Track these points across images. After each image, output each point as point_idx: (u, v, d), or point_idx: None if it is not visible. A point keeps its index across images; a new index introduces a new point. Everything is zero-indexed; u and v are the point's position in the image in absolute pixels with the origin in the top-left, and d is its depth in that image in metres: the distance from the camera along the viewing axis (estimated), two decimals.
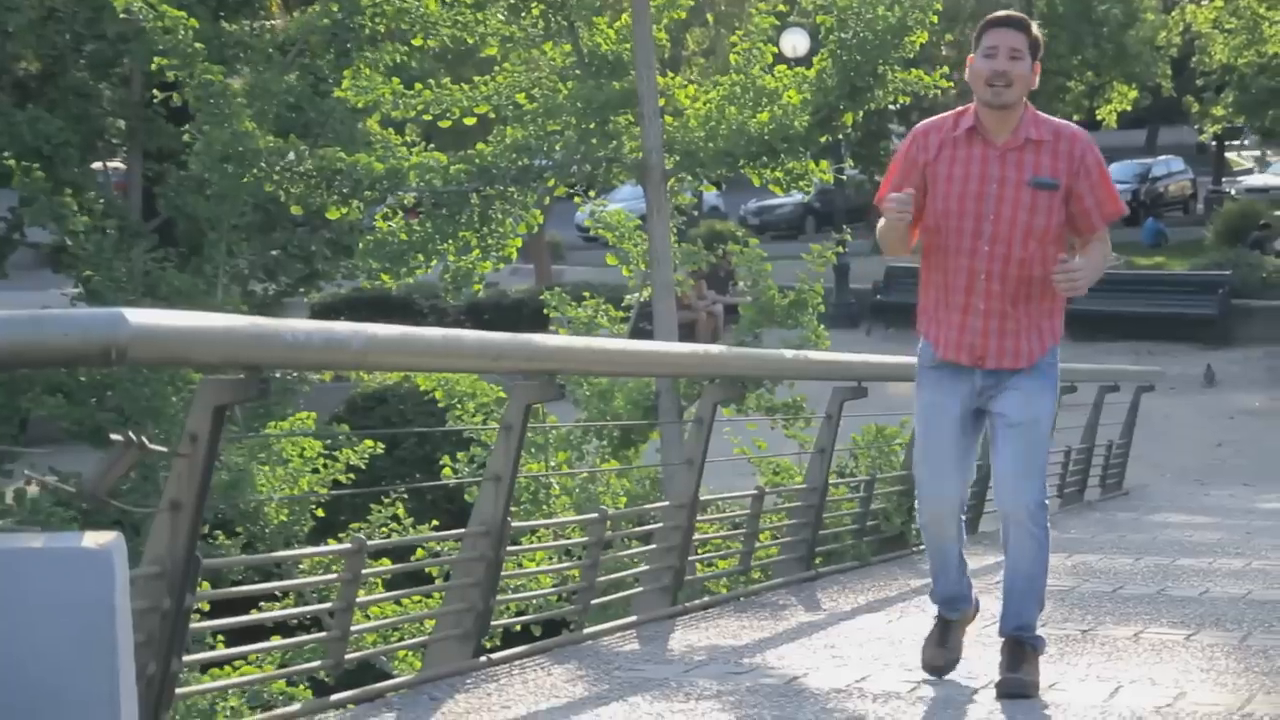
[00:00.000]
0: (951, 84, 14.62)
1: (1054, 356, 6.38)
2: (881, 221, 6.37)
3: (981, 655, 6.74)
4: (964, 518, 6.61)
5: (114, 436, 4.75)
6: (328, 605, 6.52)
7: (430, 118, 14.96)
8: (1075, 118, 48.49)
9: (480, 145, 14.73)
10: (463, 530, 7.07)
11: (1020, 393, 6.29)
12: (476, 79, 15.09)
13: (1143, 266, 39.58)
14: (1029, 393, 6.30)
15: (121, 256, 19.79)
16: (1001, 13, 6.44)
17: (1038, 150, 6.24)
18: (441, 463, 14.99)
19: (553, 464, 14.86)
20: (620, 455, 15.40)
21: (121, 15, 17.73)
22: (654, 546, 8.83)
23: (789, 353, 11.31)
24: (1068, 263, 6.16)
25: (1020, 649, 6.32)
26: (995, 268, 6.20)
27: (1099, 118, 49.20)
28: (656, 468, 14.73)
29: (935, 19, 14.60)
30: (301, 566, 12.53)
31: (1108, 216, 6.33)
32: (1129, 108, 49.06)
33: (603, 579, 8.33)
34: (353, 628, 6.29)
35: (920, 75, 14.49)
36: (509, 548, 7.13)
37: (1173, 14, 49.21)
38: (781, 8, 15.94)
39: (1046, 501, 6.38)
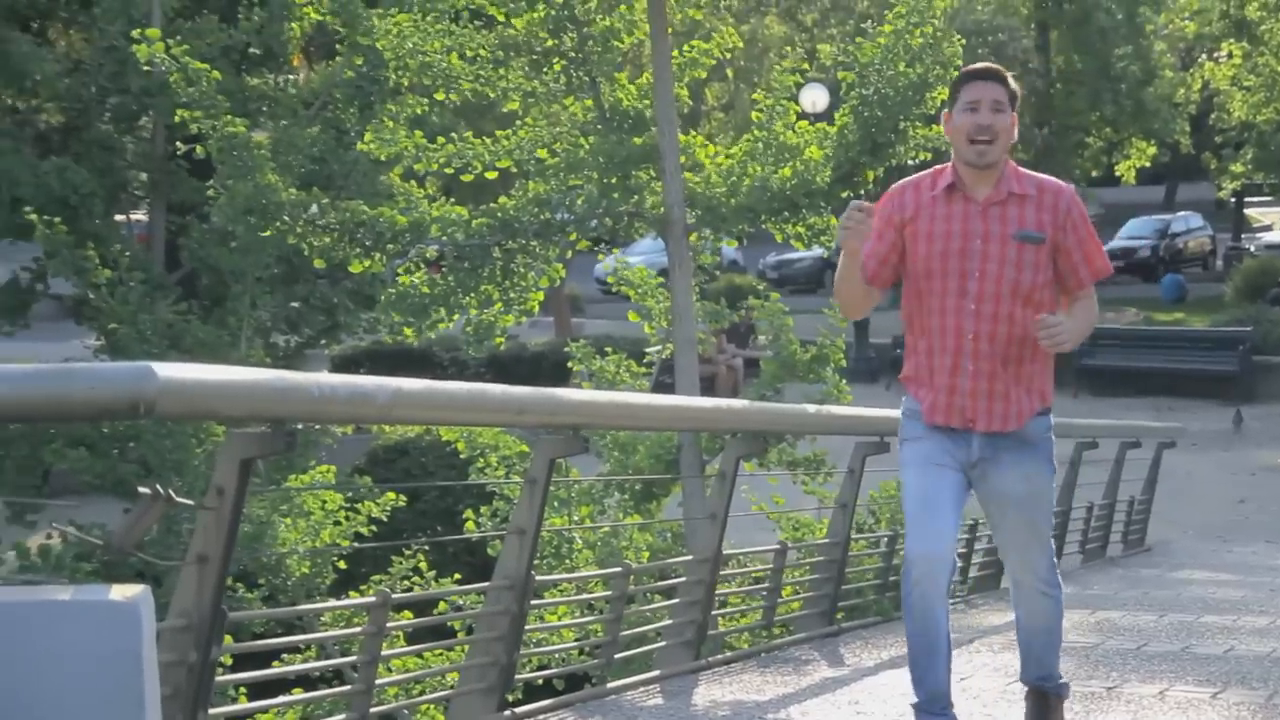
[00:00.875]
0: None
1: (1048, 424, 6.10)
2: (838, 272, 6.11)
3: (1007, 713, 6.71)
4: (953, 581, 6.07)
5: (141, 489, 4.77)
6: (351, 659, 6.51)
7: (452, 171, 15.01)
8: (1094, 174, 48.65)
9: (502, 199, 14.78)
10: (486, 584, 7.07)
11: (1019, 471, 6.00)
12: (499, 133, 15.13)
13: (1163, 322, 39.56)
14: (1028, 472, 6.03)
15: (145, 309, 19.85)
16: (979, 65, 6.19)
17: (1021, 204, 5.97)
18: (464, 515, 15.01)
19: (575, 517, 14.86)
20: (642, 509, 15.40)
21: (145, 68, 17.84)
22: (677, 601, 8.82)
23: (811, 407, 11.31)
24: (1049, 316, 5.88)
25: (1044, 699, 6.26)
26: (983, 327, 5.92)
27: (1118, 174, 49.28)
28: (679, 522, 14.70)
29: (956, 75, 14.64)
30: (324, 619, 12.52)
31: (1095, 273, 6.07)
32: (1148, 164, 49.12)
33: (626, 633, 8.33)
34: (376, 681, 6.28)
35: (941, 131, 14.50)
36: (532, 601, 7.13)
37: (1191, 71, 49.33)
38: (804, 66, 16.01)
39: (1055, 560, 6.21)
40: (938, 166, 6.15)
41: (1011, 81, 6.06)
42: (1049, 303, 5.99)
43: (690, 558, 8.98)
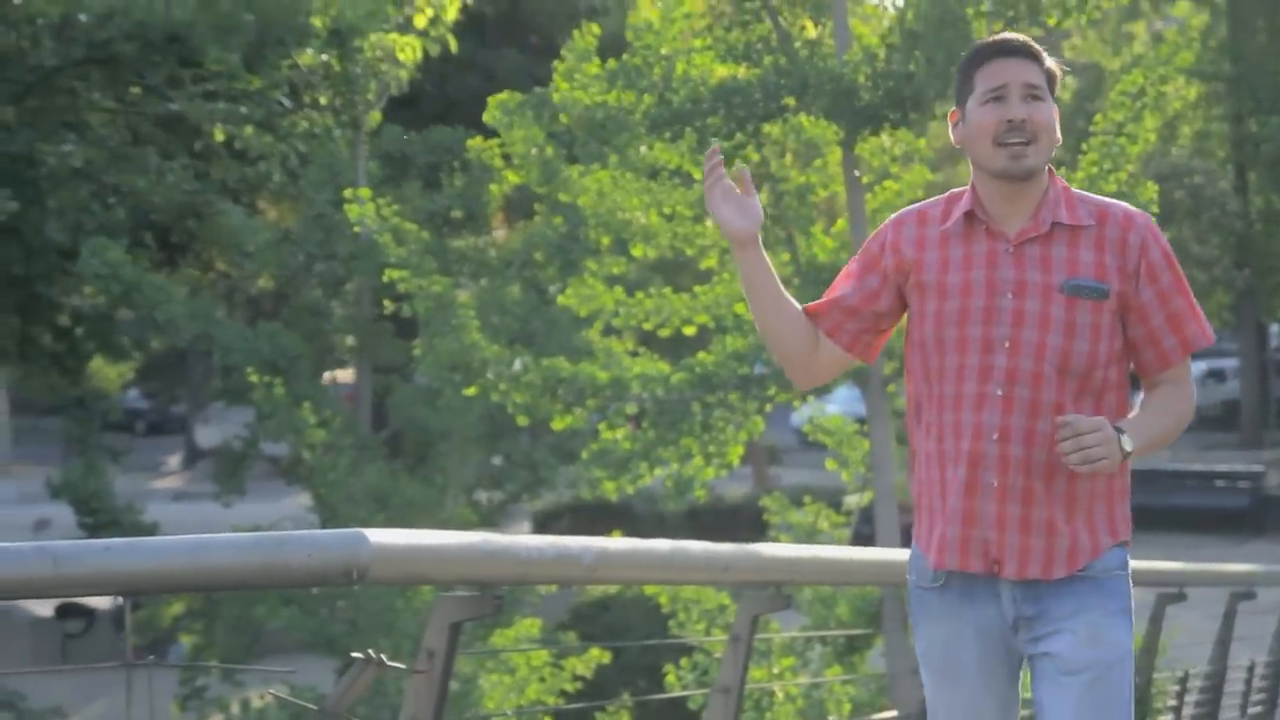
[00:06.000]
0: None
1: (1123, 558, 4.15)
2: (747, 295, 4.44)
3: None
4: None
5: (355, 655, 4.88)
6: None
7: (650, 327, 15.19)
8: None
9: (701, 354, 14.90)
10: None
11: (1080, 627, 4.08)
12: (697, 289, 15.30)
13: None
14: (1094, 629, 4.08)
15: (356, 472, 20.21)
16: (1000, 36, 4.20)
17: (1073, 240, 4.09)
18: (665, 670, 15.02)
19: (776, 670, 14.81)
20: (845, 661, 15.30)
21: (354, 229, 18.33)
22: None
23: None
24: (1077, 419, 3.96)
25: None
26: (1014, 422, 4.04)
27: None
28: (882, 675, 14.58)
29: (1156, 206, 14.33)
30: None
31: (1186, 344, 4.14)
32: None
33: None
34: None
35: None
36: None
37: None
38: None
39: None
40: (953, 190, 4.27)
41: (1048, 58, 4.14)
42: (1117, 385, 4.15)
43: (895, 713, 8.92)
